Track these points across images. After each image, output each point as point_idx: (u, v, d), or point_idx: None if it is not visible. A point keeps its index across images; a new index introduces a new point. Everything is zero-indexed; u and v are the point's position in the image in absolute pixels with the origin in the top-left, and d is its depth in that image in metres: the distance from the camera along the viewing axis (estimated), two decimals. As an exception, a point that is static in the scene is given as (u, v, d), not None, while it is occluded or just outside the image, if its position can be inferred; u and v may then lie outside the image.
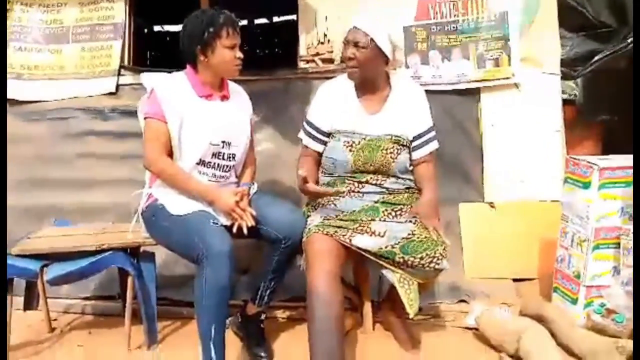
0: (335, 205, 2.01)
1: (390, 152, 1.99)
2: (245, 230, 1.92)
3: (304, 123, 2.13)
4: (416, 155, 2.06)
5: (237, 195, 1.96)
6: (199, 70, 1.98)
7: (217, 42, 1.92)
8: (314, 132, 2.08)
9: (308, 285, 1.81)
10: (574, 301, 2.24)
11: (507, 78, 2.71)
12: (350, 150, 1.99)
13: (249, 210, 1.95)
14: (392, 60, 1.99)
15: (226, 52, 1.93)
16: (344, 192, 1.99)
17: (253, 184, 2.15)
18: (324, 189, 1.97)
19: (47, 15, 3.00)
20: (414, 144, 2.05)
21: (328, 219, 1.96)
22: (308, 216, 2.05)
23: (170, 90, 1.96)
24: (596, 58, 2.82)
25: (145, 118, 1.97)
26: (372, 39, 1.90)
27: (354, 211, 1.98)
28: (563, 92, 2.82)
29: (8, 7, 2.96)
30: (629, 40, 2.73)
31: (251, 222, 1.93)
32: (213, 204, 1.95)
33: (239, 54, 1.97)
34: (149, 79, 2.01)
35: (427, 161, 2.07)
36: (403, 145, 2.02)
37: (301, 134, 2.13)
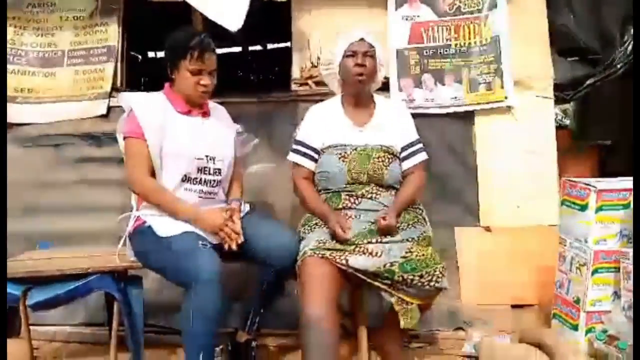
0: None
1: (382, 160, 2.03)
2: (234, 248, 1.86)
3: (294, 144, 2.13)
4: (406, 165, 2.09)
5: (227, 213, 1.91)
6: (175, 87, 1.98)
7: (180, 63, 1.91)
8: (305, 150, 2.09)
9: (302, 311, 1.76)
10: (575, 327, 2.18)
11: (500, 101, 2.71)
12: (344, 161, 2.01)
13: (238, 229, 1.88)
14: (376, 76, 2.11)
15: (188, 76, 1.91)
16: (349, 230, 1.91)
17: (241, 201, 2.09)
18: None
19: (42, 39, 2.99)
20: (403, 154, 2.09)
21: (323, 242, 1.91)
22: (302, 238, 2.00)
23: (148, 108, 1.94)
24: (588, 82, 2.84)
25: (124, 138, 1.94)
26: (374, 49, 2.04)
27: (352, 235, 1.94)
28: (555, 118, 2.83)
29: (1, 29, 2.96)
30: (618, 66, 2.76)
31: (240, 240, 1.86)
32: (198, 224, 1.89)
33: (205, 81, 1.93)
34: (127, 98, 1.99)
35: (415, 172, 2.09)
36: (393, 155, 2.06)
37: (292, 156, 2.12)
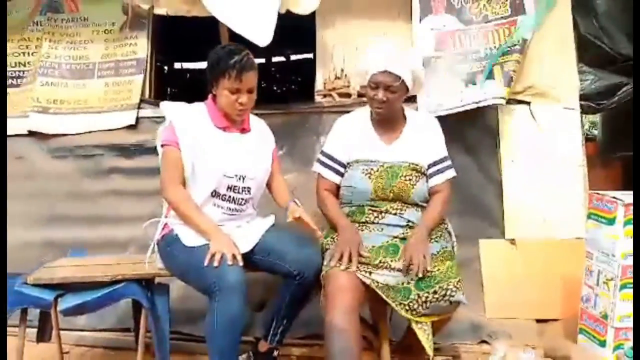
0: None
1: (409, 179, 2.00)
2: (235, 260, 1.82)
3: (320, 155, 2.15)
4: (433, 182, 2.07)
5: (235, 252, 1.83)
6: (217, 102, 2.01)
7: (220, 81, 1.92)
8: (331, 163, 2.09)
9: (326, 320, 1.77)
10: (602, 343, 2.14)
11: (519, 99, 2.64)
12: (369, 178, 2.00)
13: (238, 258, 1.82)
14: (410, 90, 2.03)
15: (226, 94, 1.92)
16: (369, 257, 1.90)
17: (294, 200, 2.07)
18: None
19: (74, 52, 3.09)
20: (430, 171, 2.07)
21: None
22: (326, 249, 2.01)
23: (186, 119, 1.98)
24: (620, 91, 2.78)
25: (162, 145, 1.99)
26: (402, 80, 1.92)
27: (374, 247, 1.95)
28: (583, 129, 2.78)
29: (37, 43, 3.06)
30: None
31: (237, 256, 1.82)
32: (210, 240, 1.87)
33: (242, 99, 1.93)
34: (168, 108, 2.04)
35: (441, 191, 2.06)
36: (421, 173, 2.04)
37: (317, 167, 2.14)
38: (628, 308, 2.10)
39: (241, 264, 1.81)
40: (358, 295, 1.83)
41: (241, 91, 1.92)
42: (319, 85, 2.92)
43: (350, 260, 1.85)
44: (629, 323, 2.10)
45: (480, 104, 2.60)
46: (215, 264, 1.77)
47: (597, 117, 3.78)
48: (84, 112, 2.99)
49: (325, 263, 1.91)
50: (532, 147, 2.70)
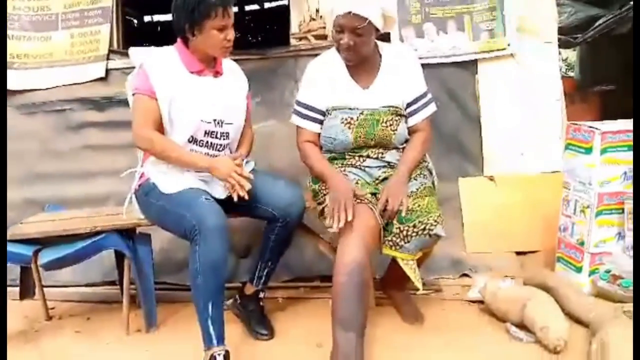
0: (347, 175, 1.95)
1: (390, 125, 1.95)
2: (243, 194, 1.82)
3: (297, 106, 2.02)
4: (413, 121, 2.01)
5: (237, 160, 1.87)
6: (190, 45, 1.92)
7: (205, 22, 1.83)
8: (309, 113, 1.98)
9: (342, 254, 1.71)
10: (579, 269, 2.21)
11: (503, 49, 2.65)
12: (349, 128, 1.94)
13: (246, 175, 1.84)
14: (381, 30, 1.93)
15: (214, 34, 1.85)
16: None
17: (248, 161, 2.08)
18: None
19: (35, 2, 2.93)
20: (409, 110, 2.00)
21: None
22: (321, 199, 1.96)
23: (159, 65, 1.90)
24: (598, 23, 2.75)
25: (133, 94, 1.91)
26: (368, 21, 1.80)
27: (364, 182, 1.95)
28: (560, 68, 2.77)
29: (-8, -7, 2.91)
30: (631, 4, 2.66)
31: (249, 186, 1.83)
32: (210, 171, 1.86)
33: (230, 36, 1.88)
34: (138, 54, 1.95)
35: (421, 129, 2.01)
36: (401, 116, 1.98)
37: (295, 119, 2.02)
38: (603, 234, 2.16)
39: (248, 187, 1.81)
40: (378, 233, 1.81)
41: (228, 27, 1.87)
42: (294, 28, 2.83)
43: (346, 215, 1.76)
44: (604, 248, 2.16)
45: (451, 59, 2.65)
46: (242, 193, 1.79)
47: (573, 56, 3.75)
48: (51, 66, 2.87)
49: (327, 224, 1.83)
50: (510, 83, 2.68)
